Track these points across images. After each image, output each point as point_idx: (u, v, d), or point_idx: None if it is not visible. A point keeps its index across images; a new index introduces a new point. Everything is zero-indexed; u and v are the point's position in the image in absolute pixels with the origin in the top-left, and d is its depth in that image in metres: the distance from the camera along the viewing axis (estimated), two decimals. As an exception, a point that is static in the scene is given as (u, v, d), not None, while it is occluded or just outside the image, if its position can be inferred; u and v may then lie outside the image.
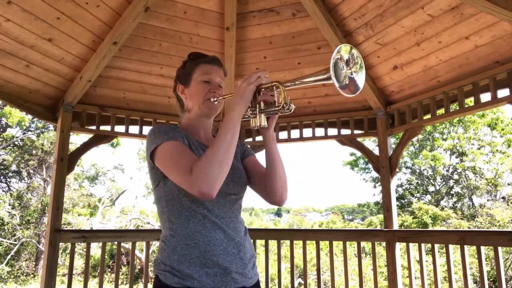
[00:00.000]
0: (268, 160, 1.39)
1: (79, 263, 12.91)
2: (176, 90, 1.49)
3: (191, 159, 1.20)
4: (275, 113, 1.29)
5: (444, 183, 16.63)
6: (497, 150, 15.13)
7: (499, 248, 2.57)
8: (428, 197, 16.73)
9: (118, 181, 17.07)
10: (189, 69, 1.44)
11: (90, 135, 3.50)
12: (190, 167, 1.15)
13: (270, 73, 1.33)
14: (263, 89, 1.28)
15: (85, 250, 5.55)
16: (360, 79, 1.18)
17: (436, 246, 3.00)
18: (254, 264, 1.37)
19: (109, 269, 13.18)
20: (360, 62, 1.18)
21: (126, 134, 3.61)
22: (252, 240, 3.87)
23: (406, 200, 16.90)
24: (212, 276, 1.23)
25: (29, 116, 12.16)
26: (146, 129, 3.67)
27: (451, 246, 2.92)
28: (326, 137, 3.73)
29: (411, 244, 3.20)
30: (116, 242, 3.67)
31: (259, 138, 3.86)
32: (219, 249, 1.26)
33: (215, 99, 1.39)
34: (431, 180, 17.01)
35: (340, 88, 1.12)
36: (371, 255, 3.51)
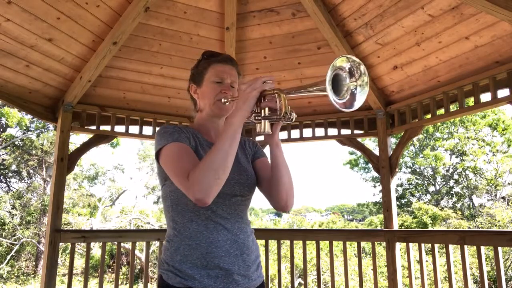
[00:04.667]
0: (273, 167, 1.36)
1: (79, 263, 12.91)
2: (189, 90, 1.48)
3: (191, 163, 1.19)
4: (277, 121, 1.27)
5: (444, 183, 16.63)
6: (497, 150, 15.13)
7: (499, 248, 2.57)
8: (428, 197, 16.73)
9: (118, 181, 17.05)
10: (202, 68, 1.43)
11: (90, 135, 3.50)
12: (188, 172, 1.15)
13: (270, 73, 1.34)
14: (267, 95, 1.25)
15: (85, 250, 5.55)
16: (361, 97, 1.13)
17: (436, 246, 3.00)
18: (258, 266, 1.36)
19: (109, 269, 13.17)
20: (366, 80, 1.13)
21: (126, 134, 3.61)
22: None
23: (406, 200, 16.91)
24: (213, 278, 1.23)
25: (29, 116, 12.16)
26: (146, 129, 3.68)
27: (451, 246, 2.92)
28: (326, 137, 3.73)
29: (411, 244, 3.20)
30: (116, 242, 3.67)
31: (258, 138, 3.87)
32: (221, 250, 1.25)
33: (226, 100, 1.37)
34: (431, 180, 17.02)
35: (337, 103, 1.08)
36: (371, 255, 3.51)
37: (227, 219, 1.30)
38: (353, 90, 1.13)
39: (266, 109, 1.25)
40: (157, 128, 3.62)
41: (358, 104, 1.14)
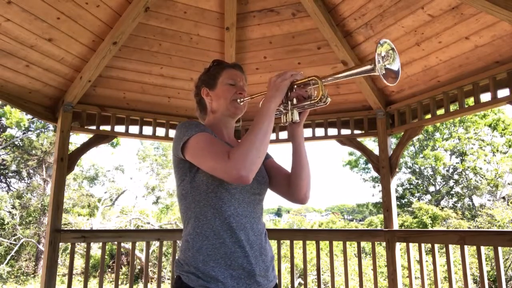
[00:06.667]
0: (296, 156, 1.42)
1: (79, 263, 12.90)
2: (200, 94, 1.54)
3: (226, 146, 1.23)
4: (310, 107, 1.35)
5: (444, 183, 16.63)
6: (497, 150, 15.13)
7: (499, 248, 2.57)
8: (428, 197, 16.73)
9: (118, 181, 17.04)
10: (215, 72, 1.51)
11: (90, 135, 3.50)
12: (227, 153, 1.17)
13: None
14: (295, 86, 1.33)
15: (85, 250, 5.55)
16: (396, 65, 1.23)
17: (436, 246, 3.00)
18: (273, 267, 1.39)
19: (109, 269, 13.17)
20: (392, 54, 1.22)
21: (126, 134, 3.62)
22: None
23: (406, 200, 16.90)
24: (236, 279, 1.24)
25: (29, 116, 12.15)
26: (146, 129, 3.68)
27: (451, 246, 2.92)
28: (326, 137, 3.73)
29: (411, 244, 3.20)
30: (116, 242, 3.67)
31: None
32: (244, 250, 1.27)
33: (242, 99, 1.46)
34: (431, 180, 17.01)
35: (383, 77, 1.18)
36: (371, 255, 3.51)
37: (247, 218, 1.32)
38: (386, 67, 1.22)
39: (294, 99, 1.35)
40: (157, 128, 3.65)
41: (398, 70, 1.24)
